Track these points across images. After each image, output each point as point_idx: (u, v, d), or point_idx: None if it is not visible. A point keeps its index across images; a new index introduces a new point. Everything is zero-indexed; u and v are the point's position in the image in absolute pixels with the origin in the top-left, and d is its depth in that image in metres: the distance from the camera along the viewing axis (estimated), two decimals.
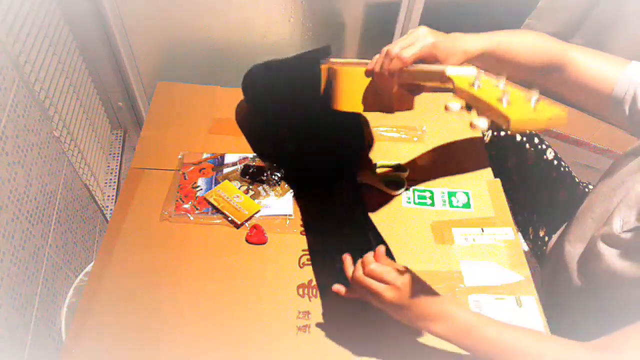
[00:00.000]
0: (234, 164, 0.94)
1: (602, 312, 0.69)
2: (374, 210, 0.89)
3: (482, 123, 0.47)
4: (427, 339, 0.73)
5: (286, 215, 0.87)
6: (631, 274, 0.63)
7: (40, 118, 1.01)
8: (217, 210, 0.86)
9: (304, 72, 0.99)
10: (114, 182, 1.55)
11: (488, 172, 0.96)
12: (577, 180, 0.98)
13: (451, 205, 0.91)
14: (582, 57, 0.71)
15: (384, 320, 0.75)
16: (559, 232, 0.88)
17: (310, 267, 0.81)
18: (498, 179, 0.95)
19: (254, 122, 1.00)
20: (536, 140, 0.98)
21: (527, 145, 0.98)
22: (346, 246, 0.75)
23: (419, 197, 0.92)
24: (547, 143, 0.99)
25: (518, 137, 0.99)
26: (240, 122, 1.02)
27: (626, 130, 0.72)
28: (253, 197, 0.89)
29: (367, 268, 0.64)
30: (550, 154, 0.98)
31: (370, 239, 0.83)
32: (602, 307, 0.69)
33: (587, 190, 0.98)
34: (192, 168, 0.92)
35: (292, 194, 0.90)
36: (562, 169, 0.97)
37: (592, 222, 0.74)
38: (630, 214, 0.65)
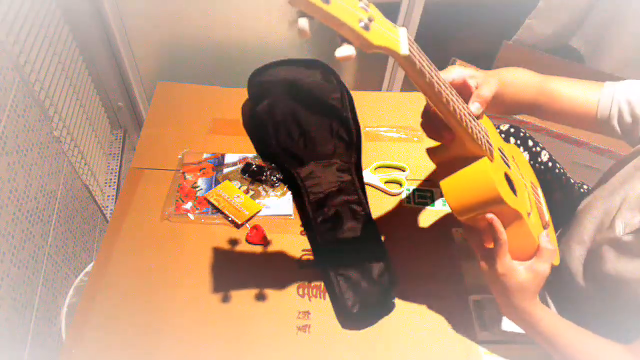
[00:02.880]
0: (234, 164, 0.94)
1: (607, 314, 0.69)
2: (374, 210, 0.89)
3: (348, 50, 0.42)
4: (426, 339, 0.74)
5: (286, 215, 0.87)
6: (637, 276, 0.63)
7: (40, 118, 1.01)
8: (217, 210, 0.86)
9: (314, 76, 0.98)
10: (114, 182, 1.55)
11: None
12: (572, 181, 0.98)
13: None
14: (562, 88, 0.74)
15: (383, 320, 0.76)
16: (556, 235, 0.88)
17: (311, 267, 0.81)
18: None
19: (259, 123, 0.99)
20: (530, 143, 0.98)
21: (522, 149, 0.98)
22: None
23: (419, 197, 0.92)
24: (541, 145, 0.99)
25: (512, 140, 0.99)
26: (244, 122, 1.02)
27: (623, 140, 0.74)
28: (253, 197, 0.89)
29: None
30: (544, 156, 0.98)
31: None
32: (608, 310, 0.68)
33: (582, 190, 0.98)
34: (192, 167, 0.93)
35: (292, 194, 0.90)
36: (556, 170, 0.98)
37: (591, 224, 0.74)
38: (632, 216, 0.65)
